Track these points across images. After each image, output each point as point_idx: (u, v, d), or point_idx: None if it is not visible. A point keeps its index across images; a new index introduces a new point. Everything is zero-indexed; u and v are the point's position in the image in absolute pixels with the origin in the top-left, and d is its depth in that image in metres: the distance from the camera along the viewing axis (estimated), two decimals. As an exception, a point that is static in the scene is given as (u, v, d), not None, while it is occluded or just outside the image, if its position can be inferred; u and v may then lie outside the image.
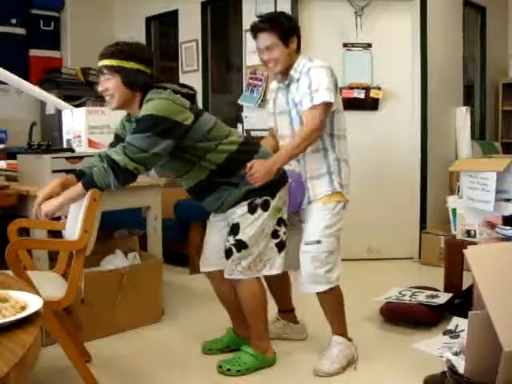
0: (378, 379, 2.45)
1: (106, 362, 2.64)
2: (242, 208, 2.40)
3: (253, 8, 4.73)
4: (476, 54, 5.55)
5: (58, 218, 2.60)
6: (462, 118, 4.88)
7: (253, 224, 2.39)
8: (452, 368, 1.89)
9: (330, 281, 2.50)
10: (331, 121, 2.50)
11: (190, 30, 5.46)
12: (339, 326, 2.60)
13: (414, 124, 4.55)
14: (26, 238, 2.63)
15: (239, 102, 4.94)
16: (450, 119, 4.88)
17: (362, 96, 4.43)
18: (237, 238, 2.41)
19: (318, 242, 2.47)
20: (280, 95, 2.61)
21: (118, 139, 2.44)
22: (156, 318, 3.16)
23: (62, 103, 3.81)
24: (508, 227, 2.78)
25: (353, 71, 4.46)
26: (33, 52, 5.83)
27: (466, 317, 1.87)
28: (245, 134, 4.70)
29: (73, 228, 2.30)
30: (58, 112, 4.07)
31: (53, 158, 2.82)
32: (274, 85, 2.73)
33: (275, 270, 2.48)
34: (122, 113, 2.51)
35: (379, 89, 4.45)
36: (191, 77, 5.31)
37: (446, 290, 3.23)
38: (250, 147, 2.47)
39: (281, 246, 2.47)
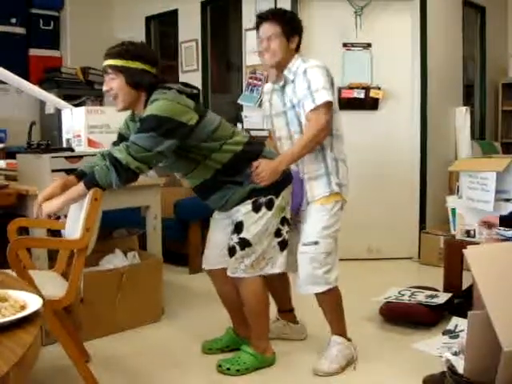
0: (378, 379, 2.45)
1: (105, 361, 2.64)
2: (247, 206, 2.41)
3: (253, 8, 4.73)
4: (476, 53, 5.55)
5: (58, 218, 2.60)
6: (462, 117, 4.88)
7: (257, 222, 2.40)
8: (451, 368, 1.89)
9: (328, 281, 2.50)
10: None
11: (189, 29, 5.46)
12: (338, 326, 2.60)
13: (413, 124, 4.55)
14: (26, 237, 2.63)
15: (239, 101, 4.94)
16: (450, 119, 4.88)
17: (362, 96, 4.43)
18: (241, 236, 2.41)
19: (316, 243, 2.47)
20: (275, 96, 2.61)
21: (122, 139, 2.45)
22: (156, 318, 3.16)
23: (61, 102, 3.81)
24: (506, 228, 2.79)
25: (352, 71, 4.46)
26: (32, 51, 5.82)
27: (465, 317, 1.87)
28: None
29: (73, 227, 2.30)
30: (58, 111, 4.07)
31: (52, 157, 2.82)
32: (268, 87, 2.74)
33: (277, 269, 2.49)
34: (123, 112, 2.51)
35: (379, 89, 4.45)
36: (191, 76, 5.31)
37: (446, 289, 3.24)
38: (255, 147, 2.47)
39: (283, 245, 2.48)
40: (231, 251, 2.44)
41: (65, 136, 3.38)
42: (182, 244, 4.25)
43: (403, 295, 3.17)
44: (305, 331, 2.91)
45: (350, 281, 3.67)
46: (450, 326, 2.87)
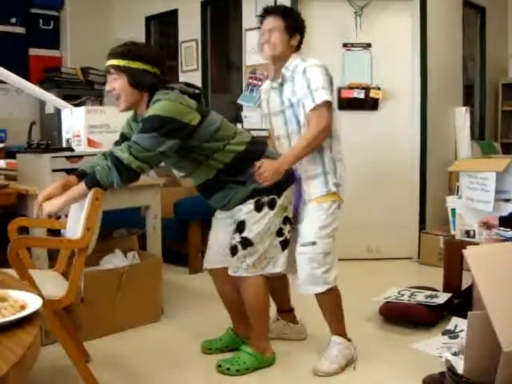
0: (377, 379, 2.45)
1: (105, 361, 2.64)
2: (249, 206, 2.41)
3: (253, 8, 4.73)
4: (476, 54, 5.55)
5: (59, 218, 2.60)
6: (462, 117, 4.88)
7: (259, 222, 2.40)
8: (451, 368, 1.89)
9: (327, 281, 2.50)
10: None
11: (189, 29, 5.46)
12: (338, 327, 2.60)
13: (413, 124, 4.55)
14: (27, 236, 2.63)
15: (239, 101, 4.94)
16: (450, 119, 4.88)
17: (362, 96, 4.43)
18: (243, 235, 2.42)
19: (314, 243, 2.47)
20: (273, 95, 2.61)
21: (124, 139, 2.45)
22: (155, 318, 3.16)
23: (61, 102, 3.81)
24: (506, 229, 2.79)
25: (352, 71, 4.46)
26: (32, 51, 5.82)
27: (465, 317, 1.87)
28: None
29: (74, 227, 2.30)
30: (58, 111, 4.07)
31: (52, 157, 2.83)
32: (266, 85, 2.74)
33: (278, 268, 2.49)
34: (122, 113, 2.51)
35: (379, 89, 4.45)
36: (191, 76, 5.31)
37: (445, 290, 3.24)
38: (258, 147, 2.48)
39: (285, 245, 2.49)
40: (233, 250, 2.44)
41: (65, 136, 3.38)
42: (182, 244, 4.25)
43: (403, 295, 3.17)
44: (305, 331, 2.91)
45: (350, 281, 3.67)
46: (450, 326, 2.87)
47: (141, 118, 2.35)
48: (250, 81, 4.86)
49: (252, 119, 4.81)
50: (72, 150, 3.10)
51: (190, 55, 5.50)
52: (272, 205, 2.42)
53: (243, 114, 4.90)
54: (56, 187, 2.28)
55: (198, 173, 2.43)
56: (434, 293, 3.18)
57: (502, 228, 2.83)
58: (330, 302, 2.57)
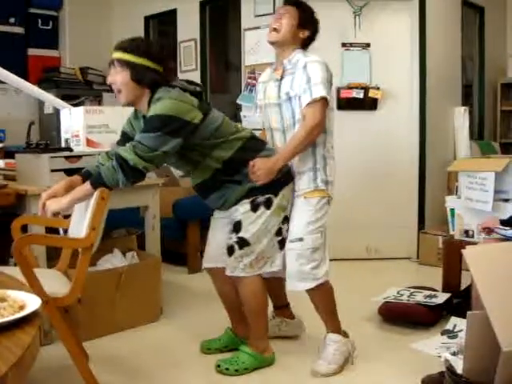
0: (377, 379, 2.45)
1: (104, 361, 2.64)
2: (245, 206, 2.41)
3: (251, 8, 4.72)
4: (474, 53, 5.55)
5: (65, 217, 2.59)
6: (461, 117, 4.88)
7: (255, 222, 2.40)
8: (450, 368, 1.89)
9: (316, 277, 2.48)
10: None
11: (188, 29, 5.46)
12: (333, 324, 2.59)
13: (412, 124, 4.55)
14: (31, 234, 2.60)
15: (238, 101, 4.93)
16: (449, 119, 4.88)
17: (361, 96, 4.42)
18: (239, 235, 2.42)
19: (301, 239, 2.46)
20: (272, 85, 2.60)
21: (125, 137, 2.46)
22: (154, 317, 3.16)
23: (60, 102, 3.81)
24: (506, 227, 2.78)
25: (351, 71, 4.46)
26: (31, 51, 5.81)
27: (464, 317, 1.87)
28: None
29: (77, 227, 2.29)
30: (57, 111, 4.07)
31: (51, 157, 2.82)
32: (264, 76, 2.75)
33: (276, 267, 2.49)
34: (121, 112, 2.51)
35: (378, 89, 4.44)
36: (189, 76, 5.26)
37: (444, 289, 3.24)
38: (256, 144, 2.48)
39: (283, 244, 2.49)
40: (230, 250, 2.44)
41: (63, 136, 3.38)
42: (181, 244, 4.24)
43: (402, 295, 3.17)
44: (302, 325, 2.90)
45: (349, 281, 3.68)
46: (449, 326, 2.87)
47: (142, 115, 2.36)
48: (249, 81, 4.86)
49: (251, 119, 4.79)
50: (71, 149, 3.09)
51: (188, 55, 5.50)
52: (268, 204, 2.42)
53: (242, 113, 4.89)
54: (60, 187, 2.28)
55: (196, 172, 2.44)
56: (433, 293, 3.18)
57: (507, 227, 2.82)
58: (322, 297, 2.55)
